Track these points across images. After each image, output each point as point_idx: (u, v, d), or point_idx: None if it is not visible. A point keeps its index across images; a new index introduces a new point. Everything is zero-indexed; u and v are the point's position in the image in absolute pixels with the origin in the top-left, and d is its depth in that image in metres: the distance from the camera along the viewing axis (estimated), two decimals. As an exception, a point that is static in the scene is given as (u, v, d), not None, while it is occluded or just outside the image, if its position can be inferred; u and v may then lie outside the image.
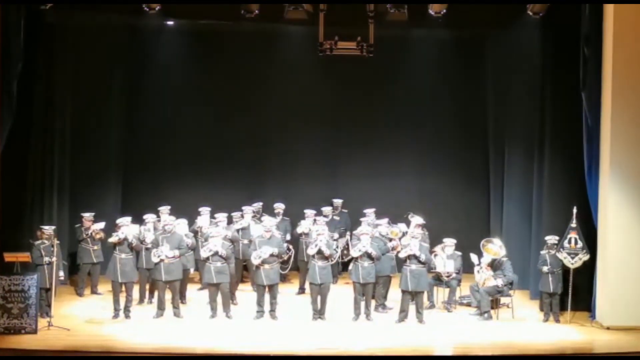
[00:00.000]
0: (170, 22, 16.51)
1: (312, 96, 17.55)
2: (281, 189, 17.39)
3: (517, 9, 14.67)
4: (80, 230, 15.27)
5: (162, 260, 13.57)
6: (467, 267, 14.87)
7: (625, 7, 13.33)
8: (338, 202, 16.83)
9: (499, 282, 14.02)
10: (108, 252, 14.43)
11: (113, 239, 13.67)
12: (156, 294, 14.08)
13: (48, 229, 13.70)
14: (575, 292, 13.84)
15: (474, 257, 14.48)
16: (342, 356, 12.12)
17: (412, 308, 13.70)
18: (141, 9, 14.50)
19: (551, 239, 13.91)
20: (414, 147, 17.76)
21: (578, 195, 14.01)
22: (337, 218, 16.58)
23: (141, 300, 14.59)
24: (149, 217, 14.78)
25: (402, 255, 13.75)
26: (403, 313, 13.66)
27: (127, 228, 13.77)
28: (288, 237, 15.93)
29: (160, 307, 13.69)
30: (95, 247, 15.21)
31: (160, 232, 14.07)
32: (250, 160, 17.70)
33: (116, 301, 13.64)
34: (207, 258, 13.59)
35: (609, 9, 13.47)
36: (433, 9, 14.54)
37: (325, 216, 16.13)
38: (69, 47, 15.89)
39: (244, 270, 15.91)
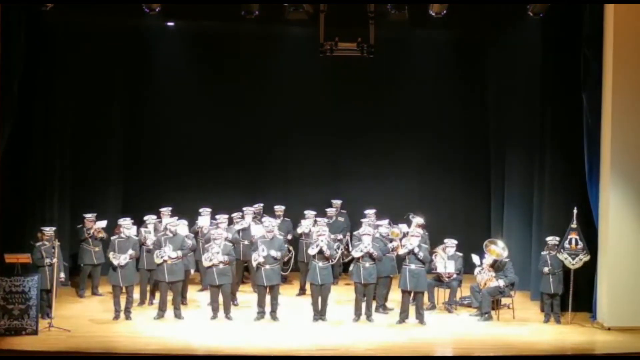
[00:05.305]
0: (170, 23, 16.49)
1: (313, 97, 17.54)
2: (282, 190, 17.39)
3: (518, 10, 14.63)
4: (82, 230, 15.27)
5: (165, 261, 13.58)
6: (467, 268, 14.87)
7: (626, 8, 13.32)
8: (337, 202, 16.81)
9: (501, 282, 14.03)
10: (109, 253, 14.44)
11: (115, 262, 13.55)
12: (157, 295, 14.09)
13: (49, 231, 13.69)
14: (576, 293, 13.82)
15: (475, 258, 14.49)
16: (343, 357, 12.13)
17: (412, 309, 13.70)
18: (142, 10, 14.49)
19: (552, 239, 13.90)
20: (414, 148, 17.77)
21: (579, 195, 14.01)
22: (341, 219, 16.57)
23: (142, 302, 14.59)
24: (150, 218, 14.80)
25: (401, 252, 13.76)
26: (404, 314, 13.66)
27: (128, 231, 13.80)
28: (289, 237, 15.91)
29: (162, 308, 13.70)
30: (97, 248, 15.21)
31: (162, 233, 14.09)
32: (251, 161, 17.69)
33: (117, 302, 13.65)
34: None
35: (610, 10, 13.46)
36: (433, 10, 14.52)
37: (329, 217, 16.15)
38: (69, 47, 15.90)
39: (244, 272, 15.91)
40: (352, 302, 13.89)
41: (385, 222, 14.86)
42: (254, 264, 13.64)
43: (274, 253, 13.58)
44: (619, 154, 13.44)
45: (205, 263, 13.66)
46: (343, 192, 17.25)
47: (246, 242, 15.27)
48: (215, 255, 13.51)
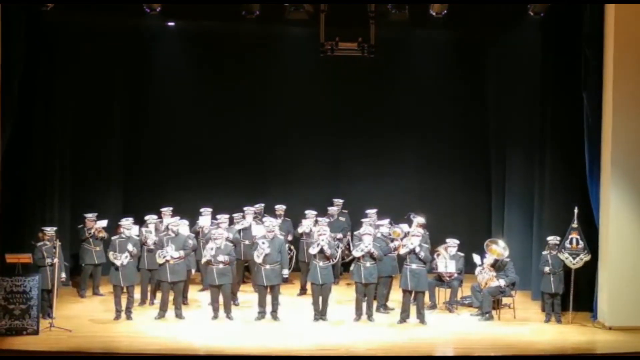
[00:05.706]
0: (170, 23, 16.48)
1: (313, 97, 17.54)
2: (282, 190, 17.38)
3: (518, 10, 14.66)
4: (83, 230, 15.26)
5: (167, 261, 13.59)
6: (468, 268, 14.87)
7: (626, 7, 13.32)
8: (339, 201, 16.81)
9: (502, 282, 14.03)
10: (110, 253, 14.43)
11: (116, 262, 13.56)
12: (158, 295, 14.08)
13: (50, 230, 13.68)
14: (577, 293, 13.82)
15: (476, 258, 14.49)
16: (343, 357, 12.12)
17: (413, 309, 13.71)
18: (142, 10, 14.49)
19: (553, 239, 13.90)
20: (415, 148, 17.78)
21: (579, 195, 14.01)
22: (342, 219, 16.56)
23: (142, 302, 14.58)
24: (150, 218, 14.80)
25: (402, 252, 13.77)
26: (404, 313, 13.66)
27: (128, 231, 13.79)
28: (290, 237, 15.90)
29: (163, 308, 13.70)
30: (97, 248, 15.20)
31: (164, 233, 14.09)
32: (252, 161, 17.69)
33: (117, 302, 13.64)
34: (209, 261, 13.59)
35: (610, 9, 13.47)
36: (434, 10, 14.56)
37: (330, 215, 16.15)
38: (70, 47, 15.89)
39: (245, 271, 15.91)
40: (353, 301, 13.89)
41: (386, 221, 14.87)
42: (259, 260, 13.60)
43: (285, 276, 13.92)
44: (620, 154, 13.44)
45: (204, 260, 13.66)
46: (343, 192, 17.24)
47: (247, 242, 15.27)
48: (208, 251, 13.49)
